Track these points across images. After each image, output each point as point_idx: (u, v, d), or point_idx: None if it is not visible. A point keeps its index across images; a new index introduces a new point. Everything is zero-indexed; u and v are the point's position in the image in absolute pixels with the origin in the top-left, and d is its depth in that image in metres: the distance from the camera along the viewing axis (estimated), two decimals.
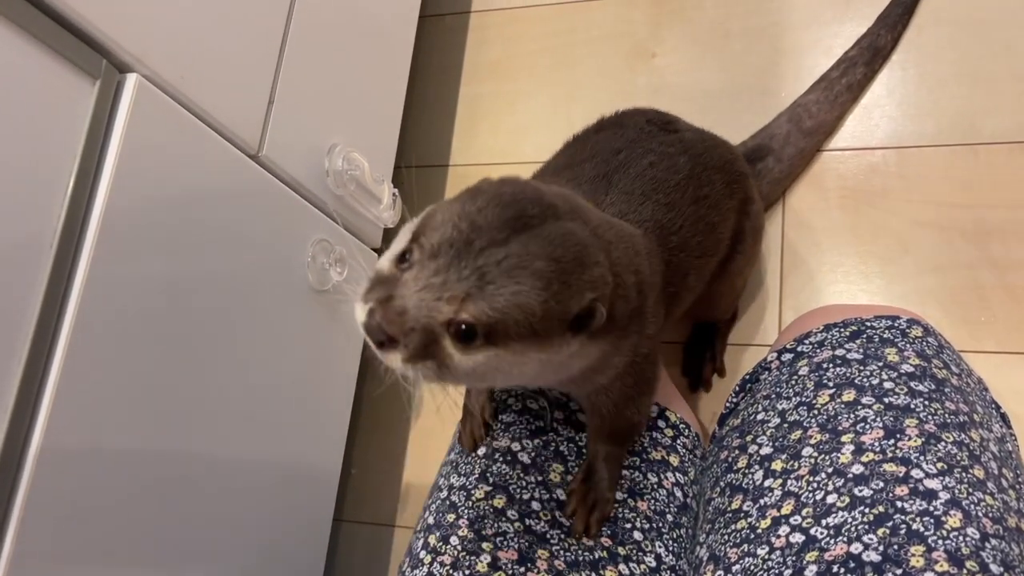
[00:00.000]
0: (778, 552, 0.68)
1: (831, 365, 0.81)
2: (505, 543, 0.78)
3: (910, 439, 0.70)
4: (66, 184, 0.73)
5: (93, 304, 0.75)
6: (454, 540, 0.78)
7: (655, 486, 0.87)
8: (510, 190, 0.62)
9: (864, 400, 0.75)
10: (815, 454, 0.73)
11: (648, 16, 1.39)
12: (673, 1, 1.38)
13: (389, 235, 1.26)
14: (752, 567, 0.68)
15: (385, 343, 0.59)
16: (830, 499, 0.69)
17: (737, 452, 0.80)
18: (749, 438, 0.80)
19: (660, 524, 0.85)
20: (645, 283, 0.74)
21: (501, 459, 0.84)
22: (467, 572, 0.76)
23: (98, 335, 0.77)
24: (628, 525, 0.84)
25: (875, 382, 0.77)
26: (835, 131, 1.22)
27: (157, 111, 0.81)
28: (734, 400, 0.90)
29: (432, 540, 0.79)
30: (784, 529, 0.69)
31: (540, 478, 0.84)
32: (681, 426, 0.93)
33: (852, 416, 0.74)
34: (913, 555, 0.62)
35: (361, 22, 1.13)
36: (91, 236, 0.75)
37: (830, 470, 0.71)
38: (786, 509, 0.70)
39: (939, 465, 0.68)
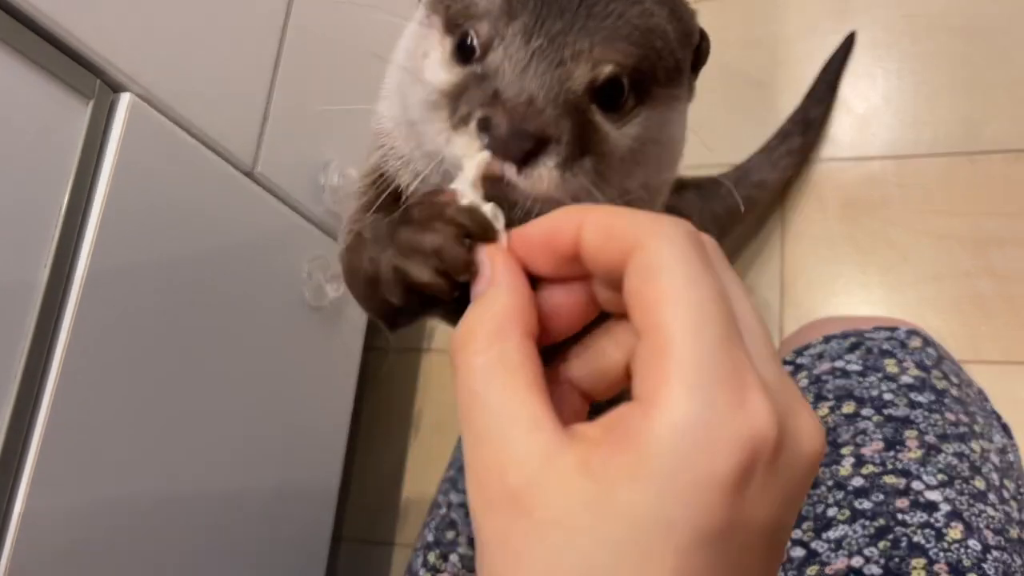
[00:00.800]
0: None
1: (830, 377, 0.80)
2: None
3: (910, 451, 0.70)
4: (60, 204, 0.73)
5: (88, 323, 0.75)
6: (453, 558, 0.78)
7: None
8: None
9: (864, 412, 0.75)
10: None
11: None
12: None
13: None
14: None
15: (533, 153, 0.39)
16: (830, 512, 0.68)
17: None
18: None
19: None
20: None
21: None
22: None
23: (94, 353, 0.76)
24: None
25: (875, 394, 0.76)
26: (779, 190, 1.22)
27: (151, 130, 0.81)
28: None
29: (431, 558, 0.79)
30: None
31: None
32: None
33: (852, 428, 0.74)
34: (915, 568, 0.62)
35: (354, 39, 1.13)
36: (85, 256, 0.75)
37: (830, 483, 0.70)
38: None
39: (940, 477, 0.67)
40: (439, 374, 1.31)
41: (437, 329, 1.33)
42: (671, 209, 0.98)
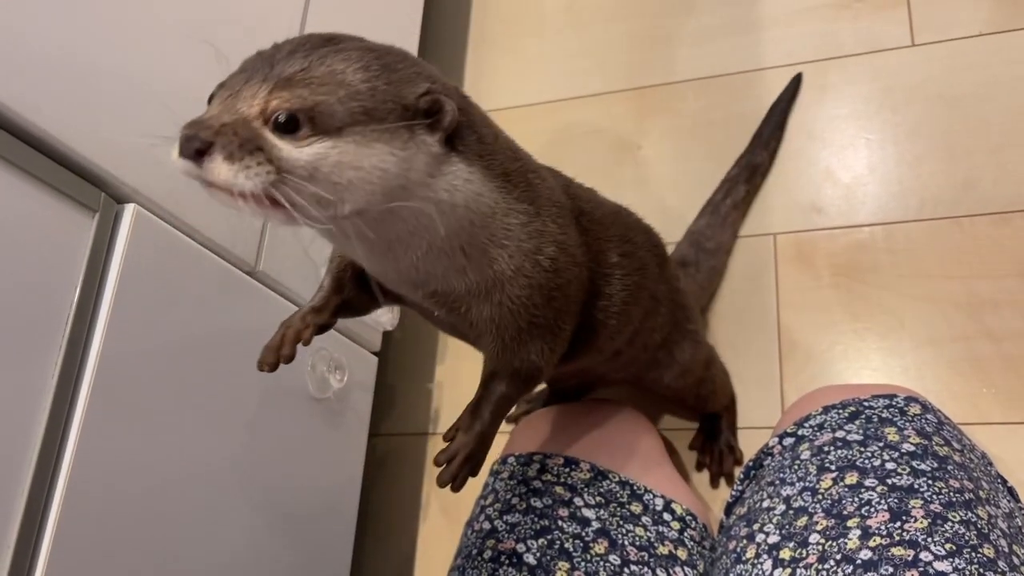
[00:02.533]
0: None
1: (832, 448, 0.81)
2: None
3: (916, 520, 0.70)
4: (67, 314, 0.75)
5: (97, 428, 0.76)
6: None
7: None
8: (320, 33, 0.62)
9: (867, 482, 0.75)
10: (822, 540, 0.72)
11: (631, 110, 1.43)
12: (656, 94, 1.43)
13: (388, 339, 1.28)
14: None
15: (203, 151, 0.53)
16: None
17: (745, 542, 0.79)
18: (756, 526, 0.79)
19: None
20: (535, 171, 0.73)
21: (507, 562, 0.83)
22: None
23: (102, 455, 0.77)
24: None
25: (877, 463, 0.76)
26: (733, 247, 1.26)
27: (154, 238, 0.84)
28: (739, 488, 0.89)
29: None
30: None
31: None
32: (688, 518, 0.92)
33: (856, 499, 0.74)
34: None
35: None
36: (92, 362, 0.76)
37: (839, 556, 0.70)
38: None
39: (948, 546, 0.67)
40: None
41: (442, 414, 1.34)
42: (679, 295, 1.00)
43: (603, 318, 0.82)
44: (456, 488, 0.72)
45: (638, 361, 0.98)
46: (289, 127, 0.55)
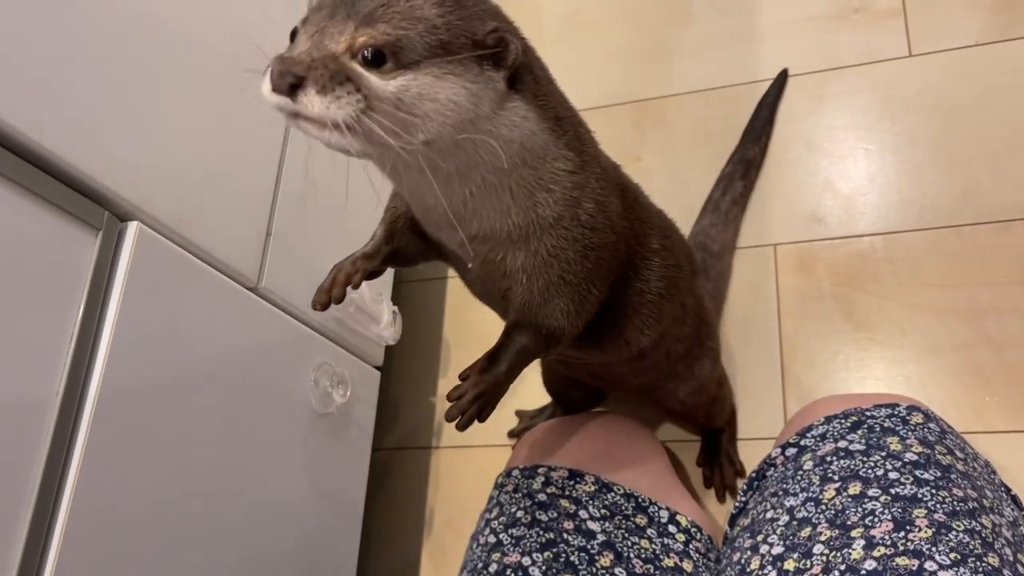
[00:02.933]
0: None
1: (835, 458, 0.81)
2: None
3: (920, 530, 0.70)
4: (72, 332, 0.76)
5: (100, 444, 0.76)
6: None
7: None
8: None
9: (870, 492, 0.75)
10: (826, 551, 0.72)
11: (631, 122, 1.44)
12: (655, 106, 1.44)
13: (391, 353, 1.28)
14: None
15: (297, 86, 0.57)
16: None
17: (749, 553, 0.79)
18: (760, 537, 0.79)
19: None
20: (583, 125, 0.76)
21: (512, 575, 0.83)
22: None
23: (106, 472, 0.77)
24: None
25: (880, 473, 0.76)
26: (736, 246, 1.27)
27: (158, 255, 0.84)
28: (743, 499, 0.89)
29: None
30: None
31: None
32: (693, 530, 0.92)
33: (860, 509, 0.74)
34: None
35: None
36: (96, 380, 0.77)
37: (843, 567, 0.70)
38: None
39: (952, 555, 0.67)
40: (448, 472, 1.31)
41: (445, 427, 1.34)
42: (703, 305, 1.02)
43: (638, 303, 0.84)
44: (461, 425, 0.71)
45: (658, 368, 0.99)
46: (375, 61, 0.59)
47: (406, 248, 0.81)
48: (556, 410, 1.24)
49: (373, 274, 0.80)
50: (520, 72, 0.67)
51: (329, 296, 0.78)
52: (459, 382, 0.72)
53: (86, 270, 0.77)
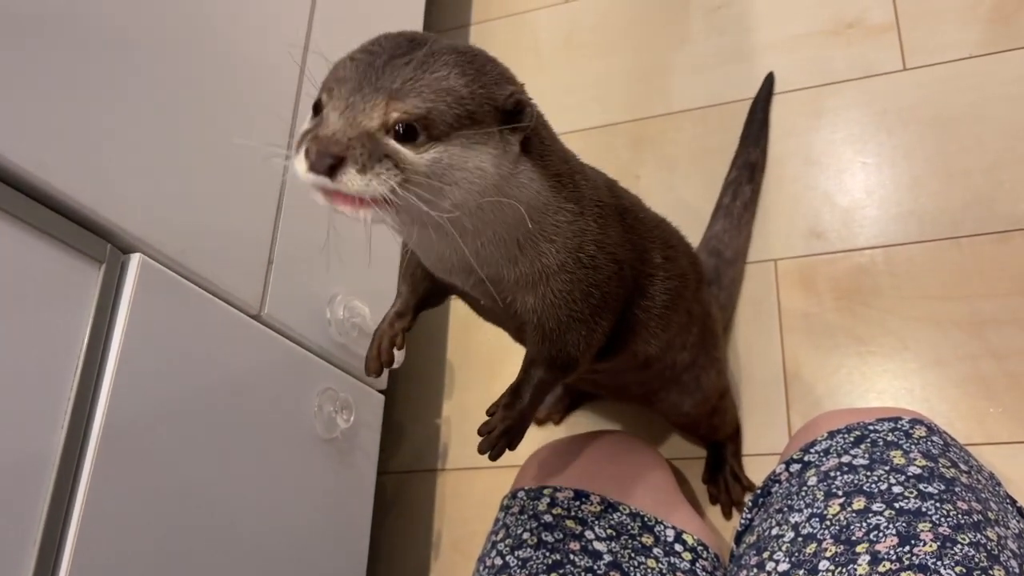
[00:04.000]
0: None
1: (838, 473, 0.81)
2: None
3: (925, 544, 0.70)
4: (76, 365, 0.76)
5: (106, 477, 0.77)
6: None
7: None
8: (397, 32, 0.66)
9: (875, 507, 0.75)
10: (832, 567, 0.72)
11: (629, 141, 1.44)
12: (653, 125, 1.44)
13: (395, 377, 1.29)
14: None
15: (336, 166, 0.58)
16: None
17: (756, 570, 0.79)
18: (766, 555, 0.79)
19: None
20: (581, 172, 0.78)
21: None
22: None
23: (112, 502, 0.78)
24: None
25: (883, 487, 0.76)
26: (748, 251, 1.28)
27: (160, 286, 0.85)
28: (748, 516, 0.89)
29: None
30: None
31: None
32: (699, 548, 0.92)
33: (864, 524, 0.74)
34: None
35: None
36: (101, 412, 0.77)
37: None
38: None
39: (958, 569, 0.67)
40: (454, 494, 1.31)
41: (451, 449, 1.34)
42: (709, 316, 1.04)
43: (644, 318, 0.87)
44: (493, 457, 0.78)
45: (662, 377, 1.01)
46: (408, 135, 0.60)
47: (429, 295, 0.86)
48: (562, 397, 1.26)
49: (409, 328, 0.86)
50: (528, 133, 0.69)
51: (380, 363, 0.84)
52: (481, 411, 0.79)
53: (89, 303, 0.77)
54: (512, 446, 0.79)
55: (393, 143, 0.60)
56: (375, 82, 0.60)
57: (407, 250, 0.82)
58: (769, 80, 1.37)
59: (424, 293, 0.85)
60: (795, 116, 1.35)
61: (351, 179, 0.58)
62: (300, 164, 0.59)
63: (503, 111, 0.66)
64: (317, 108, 0.63)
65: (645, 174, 1.41)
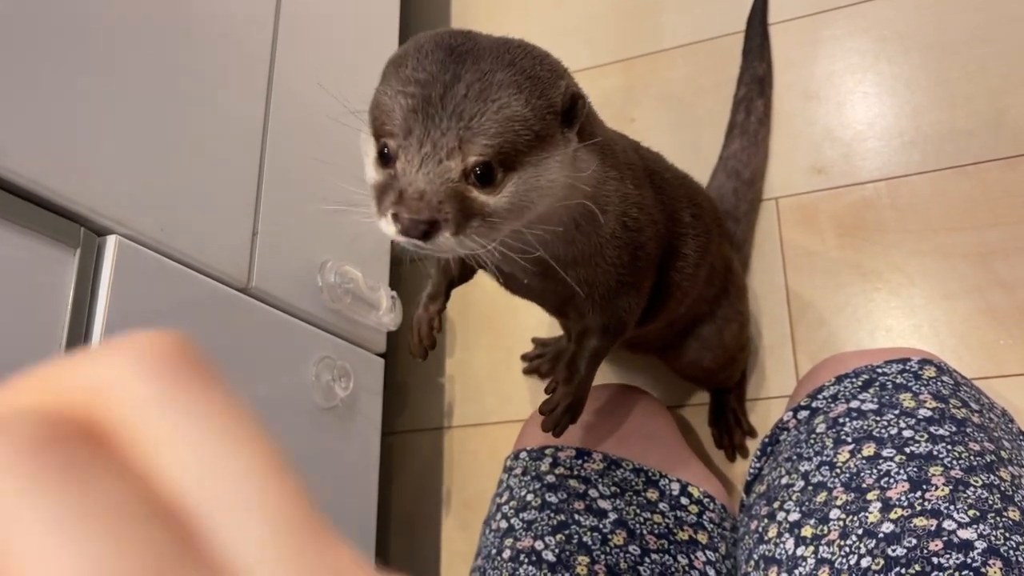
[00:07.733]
0: None
1: (847, 419, 0.79)
2: None
3: (937, 488, 0.68)
4: (57, 352, 0.74)
5: None
6: None
7: (686, 568, 0.84)
8: (425, 39, 0.64)
9: (885, 452, 0.73)
10: (843, 516, 0.71)
11: (621, 82, 1.40)
12: (644, 64, 1.40)
13: (393, 340, 1.27)
14: None
15: (429, 232, 0.59)
16: (864, 562, 0.67)
17: (766, 521, 0.78)
18: (776, 504, 0.78)
19: None
20: (611, 137, 0.78)
21: (526, 560, 0.82)
22: None
23: None
24: None
25: (893, 432, 0.75)
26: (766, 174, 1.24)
27: (140, 267, 0.83)
28: (757, 465, 0.88)
29: None
30: None
31: (567, 575, 0.82)
32: (706, 500, 0.91)
33: (875, 471, 0.72)
34: None
35: (333, 138, 1.15)
36: None
37: (860, 531, 0.69)
38: None
39: (971, 512, 0.65)
40: (462, 450, 1.30)
41: (456, 407, 1.33)
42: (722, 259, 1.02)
43: (679, 279, 0.88)
44: (558, 434, 0.80)
45: (684, 331, 1.03)
46: (488, 177, 0.61)
47: (459, 274, 0.86)
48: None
49: (443, 308, 0.87)
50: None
51: (424, 348, 0.85)
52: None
53: (66, 289, 0.75)
54: (575, 420, 0.81)
55: (478, 196, 0.61)
56: (440, 124, 0.59)
57: None
58: None
59: (454, 273, 0.86)
60: (790, 48, 1.30)
61: (445, 241, 0.59)
62: (389, 228, 0.60)
63: (558, 110, 0.65)
64: (383, 156, 0.62)
65: (639, 115, 1.37)
